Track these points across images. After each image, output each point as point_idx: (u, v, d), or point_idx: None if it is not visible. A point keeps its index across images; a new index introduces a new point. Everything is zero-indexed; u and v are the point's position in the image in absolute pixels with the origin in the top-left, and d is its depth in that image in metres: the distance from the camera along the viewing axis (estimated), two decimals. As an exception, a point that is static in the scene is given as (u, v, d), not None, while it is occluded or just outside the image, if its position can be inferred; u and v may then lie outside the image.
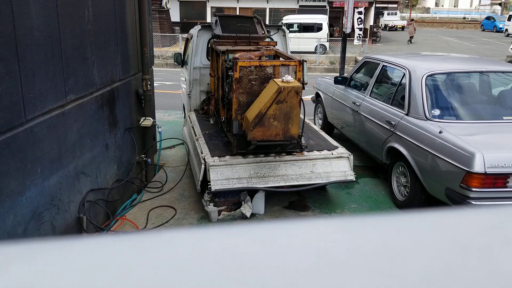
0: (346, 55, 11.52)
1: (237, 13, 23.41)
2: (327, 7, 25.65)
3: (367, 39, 20.15)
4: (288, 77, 3.78)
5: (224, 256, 0.40)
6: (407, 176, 4.27)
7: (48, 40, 2.88)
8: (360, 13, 21.44)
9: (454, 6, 58.98)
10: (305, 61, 4.14)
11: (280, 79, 3.81)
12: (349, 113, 5.61)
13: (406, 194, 4.31)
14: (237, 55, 4.22)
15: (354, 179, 4.29)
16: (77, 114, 3.35)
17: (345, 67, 11.22)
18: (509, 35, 29.17)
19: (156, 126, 5.17)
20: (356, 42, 20.52)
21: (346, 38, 11.18)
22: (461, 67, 4.77)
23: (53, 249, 0.43)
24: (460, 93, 4.54)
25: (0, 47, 2.38)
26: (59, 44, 3.02)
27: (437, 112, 4.07)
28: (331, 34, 21.14)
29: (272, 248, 0.42)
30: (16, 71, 2.54)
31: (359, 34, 21.54)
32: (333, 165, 4.26)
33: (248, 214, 4.10)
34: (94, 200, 3.71)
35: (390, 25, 32.88)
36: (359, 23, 21.46)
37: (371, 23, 24.64)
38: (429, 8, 59.44)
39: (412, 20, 29.56)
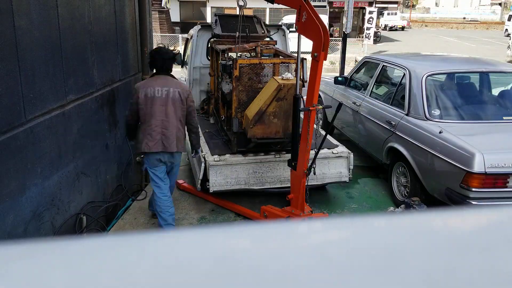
0: (346, 55, 11.52)
1: (237, 13, 23.36)
2: (327, 7, 25.66)
3: (366, 39, 20.17)
4: (288, 75, 3.78)
5: (224, 256, 0.40)
6: (407, 176, 4.27)
7: (48, 40, 2.88)
8: (371, 12, 21.54)
9: (454, 6, 58.97)
10: (305, 59, 4.15)
11: (280, 77, 3.81)
12: (349, 113, 5.61)
13: (406, 194, 4.31)
14: (225, 47, 4.30)
15: (348, 180, 4.34)
16: (77, 114, 3.34)
17: (345, 67, 11.22)
18: (509, 35, 29.17)
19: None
20: (366, 41, 20.46)
21: (346, 38, 11.18)
22: (461, 67, 4.77)
23: (53, 249, 0.43)
24: (460, 93, 4.53)
25: (0, 47, 2.38)
26: (59, 44, 3.02)
27: (437, 112, 4.06)
28: (330, 35, 21.13)
29: (272, 248, 0.42)
30: (16, 71, 2.54)
31: (367, 33, 21.60)
32: (330, 166, 4.27)
33: None
34: (94, 201, 3.72)
35: (390, 25, 32.90)
36: (370, 23, 21.54)
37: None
38: (429, 8, 59.44)
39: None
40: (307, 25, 3.19)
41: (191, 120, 3.67)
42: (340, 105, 3.58)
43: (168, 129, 3.47)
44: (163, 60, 3.54)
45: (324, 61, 3.22)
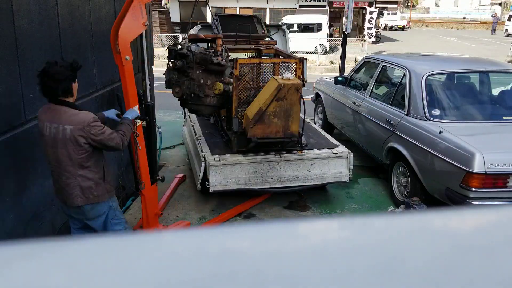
0: (346, 55, 11.53)
1: (237, 13, 23.42)
2: (327, 7, 25.66)
3: (366, 39, 20.18)
4: (288, 74, 3.79)
5: (224, 256, 0.40)
6: (407, 176, 4.27)
7: (48, 40, 2.88)
8: (371, 13, 21.61)
9: (454, 6, 58.99)
10: (305, 59, 4.14)
11: (280, 77, 3.82)
12: (349, 113, 5.61)
13: (406, 194, 4.31)
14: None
15: (348, 180, 4.34)
16: (77, 114, 3.34)
17: (345, 67, 11.23)
18: (509, 35, 29.17)
19: (156, 126, 5.16)
20: (366, 40, 20.44)
21: (346, 38, 11.18)
22: (461, 67, 4.77)
23: (53, 249, 0.43)
24: (460, 93, 4.53)
25: (0, 47, 2.38)
26: (59, 44, 3.02)
27: (437, 112, 4.06)
28: (330, 35, 21.17)
29: (272, 248, 0.42)
30: (16, 71, 2.54)
31: (369, 33, 21.66)
32: (330, 165, 4.28)
33: None
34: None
35: (390, 25, 32.91)
36: (370, 23, 21.63)
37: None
38: (429, 8, 59.45)
39: None
40: None
41: (109, 149, 2.67)
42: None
43: (61, 178, 2.56)
44: (44, 83, 2.43)
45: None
